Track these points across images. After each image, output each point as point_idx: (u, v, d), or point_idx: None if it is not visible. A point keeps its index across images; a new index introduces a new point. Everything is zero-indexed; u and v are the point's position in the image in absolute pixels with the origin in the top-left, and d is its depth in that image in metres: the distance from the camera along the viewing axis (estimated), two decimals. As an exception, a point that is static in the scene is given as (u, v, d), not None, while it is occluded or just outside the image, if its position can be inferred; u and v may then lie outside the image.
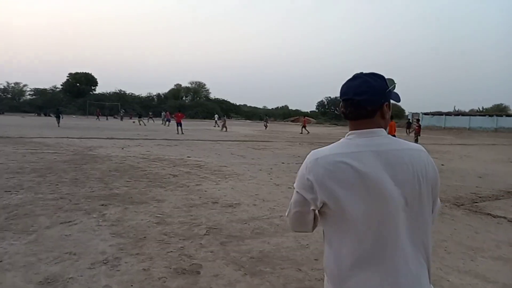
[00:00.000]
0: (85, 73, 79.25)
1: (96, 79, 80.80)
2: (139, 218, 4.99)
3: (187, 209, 5.57)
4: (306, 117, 38.43)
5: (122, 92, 77.90)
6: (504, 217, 5.66)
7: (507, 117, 49.35)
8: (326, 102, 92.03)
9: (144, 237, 4.29)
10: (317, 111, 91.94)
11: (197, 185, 7.38)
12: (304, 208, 1.34)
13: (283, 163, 11.20)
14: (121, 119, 51.59)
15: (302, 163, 1.37)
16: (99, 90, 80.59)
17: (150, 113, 51.33)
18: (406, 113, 61.13)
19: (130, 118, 41.26)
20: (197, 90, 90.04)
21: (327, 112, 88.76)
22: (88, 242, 4.04)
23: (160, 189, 6.82)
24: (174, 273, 3.38)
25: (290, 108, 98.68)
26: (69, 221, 4.74)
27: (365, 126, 1.35)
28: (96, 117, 50.02)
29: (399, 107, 75.52)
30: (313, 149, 1.37)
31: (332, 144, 1.37)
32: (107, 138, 17.91)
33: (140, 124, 37.66)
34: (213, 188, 7.16)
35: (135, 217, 5.06)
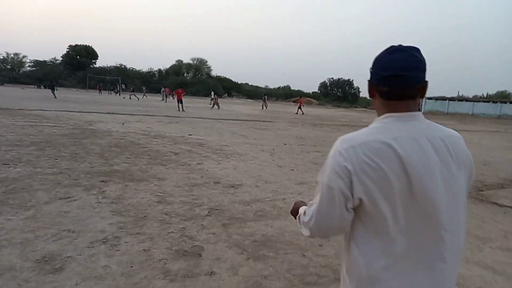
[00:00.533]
0: (86, 45, 78.24)
1: (96, 52, 79.86)
2: (139, 196, 4.89)
3: (189, 188, 5.46)
4: (301, 98, 37.32)
5: (123, 67, 76.98)
6: (511, 207, 5.56)
7: (510, 104, 48.96)
8: (328, 83, 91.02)
9: (145, 216, 4.19)
10: (319, 92, 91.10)
11: (198, 164, 7.26)
12: (342, 206, 1.12)
13: (285, 144, 11.06)
14: (119, 93, 50.70)
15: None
16: (99, 63, 79.78)
17: (144, 88, 49.05)
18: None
19: (131, 92, 40.74)
20: (199, 67, 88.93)
21: (329, 94, 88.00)
22: (87, 220, 3.94)
23: (161, 167, 6.71)
24: (175, 254, 3.29)
25: (292, 88, 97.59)
26: (68, 197, 4.63)
27: (406, 108, 1.16)
28: (98, 91, 49.35)
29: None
30: (341, 135, 1.18)
31: (364, 129, 1.17)
32: (107, 113, 17.72)
33: (138, 99, 37.12)
34: (215, 167, 7.04)
35: (135, 195, 4.96)
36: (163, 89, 42.46)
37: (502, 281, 3.18)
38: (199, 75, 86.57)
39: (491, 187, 6.96)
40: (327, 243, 3.77)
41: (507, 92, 69.89)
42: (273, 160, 8.31)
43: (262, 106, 38.30)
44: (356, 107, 67.05)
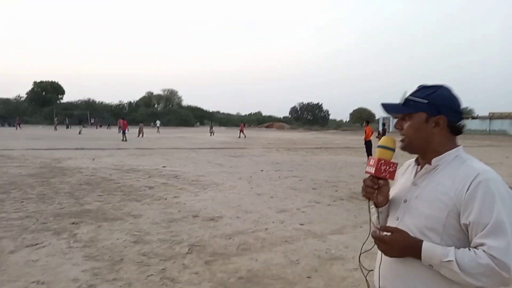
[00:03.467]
0: (51, 81, 76.47)
1: (62, 88, 78.25)
2: (114, 237, 4.62)
3: (166, 224, 5.22)
4: (242, 123, 37.16)
5: (92, 101, 75.62)
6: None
7: (473, 120, 51.40)
8: (298, 108, 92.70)
9: (121, 259, 3.93)
10: (290, 116, 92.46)
11: (175, 197, 7.03)
12: None
13: (262, 170, 10.97)
14: (68, 127, 45.96)
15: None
16: (67, 98, 78.00)
17: (56, 119, 43.12)
18: (377, 117, 61.84)
19: (99, 127, 38.72)
20: (170, 98, 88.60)
21: (300, 118, 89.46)
22: (58, 268, 3.65)
23: (135, 203, 6.43)
24: (156, 300, 3.06)
25: (263, 114, 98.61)
26: (36, 244, 4.31)
27: None
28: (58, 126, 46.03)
29: (369, 112, 77.20)
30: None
31: (478, 161, 1.23)
32: (76, 149, 17.14)
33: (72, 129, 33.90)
34: (192, 200, 6.83)
35: (109, 236, 4.68)
36: (120, 120, 41.71)
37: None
38: (170, 106, 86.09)
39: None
40: (315, 274, 3.64)
41: (468, 108, 73.32)
42: (252, 188, 8.18)
43: (210, 133, 37.42)
44: (327, 129, 68.29)
